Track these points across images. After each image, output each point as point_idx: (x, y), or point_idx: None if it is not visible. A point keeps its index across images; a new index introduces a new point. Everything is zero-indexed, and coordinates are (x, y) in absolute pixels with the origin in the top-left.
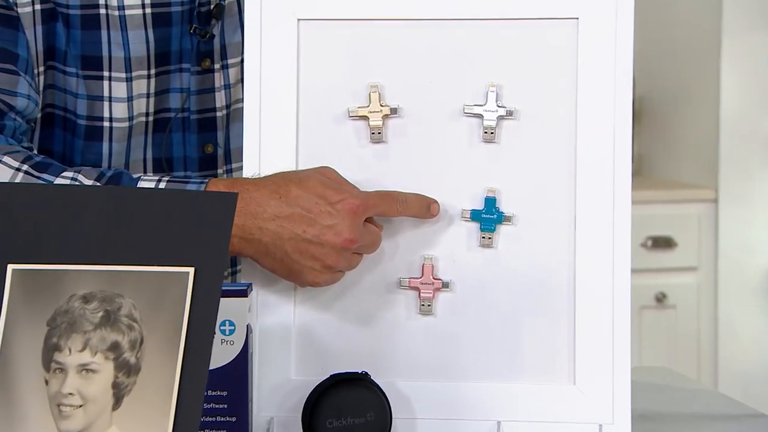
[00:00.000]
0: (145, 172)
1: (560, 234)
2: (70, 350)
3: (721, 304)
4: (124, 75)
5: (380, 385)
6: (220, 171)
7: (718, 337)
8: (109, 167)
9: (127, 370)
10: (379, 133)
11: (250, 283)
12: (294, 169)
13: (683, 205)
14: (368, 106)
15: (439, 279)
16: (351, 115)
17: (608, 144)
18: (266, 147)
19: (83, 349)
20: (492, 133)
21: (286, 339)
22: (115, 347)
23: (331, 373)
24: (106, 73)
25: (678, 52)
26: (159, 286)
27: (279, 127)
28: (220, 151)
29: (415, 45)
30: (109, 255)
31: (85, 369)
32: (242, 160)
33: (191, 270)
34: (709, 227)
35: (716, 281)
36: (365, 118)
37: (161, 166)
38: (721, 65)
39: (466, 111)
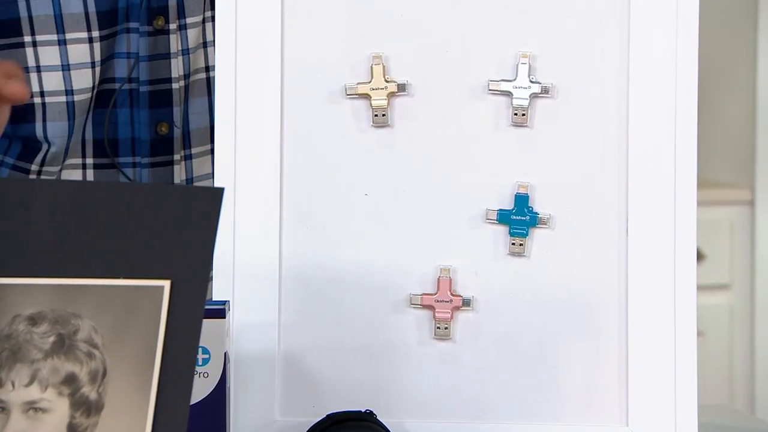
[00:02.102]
0: (84, 157)
1: (608, 240)
2: (13, 384)
3: (759, 329)
4: (54, 37)
5: (387, 427)
6: (176, 156)
7: (755, 369)
8: (46, 156)
9: (86, 408)
10: (384, 114)
11: (227, 301)
12: (278, 159)
13: (712, 208)
14: (370, 82)
15: (459, 295)
16: (349, 93)
17: (668, 128)
18: (243, 133)
19: (30, 383)
20: (523, 114)
21: (268, 370)
22: (70, 380)
23: (328, 413)
24: (27, 38)
25: (706, 24)
26: (126, 304)
27: (259, 109)
28: (177, 132)
29: (427, 7)
30: (62, 265)
31: (32, 408)
32: (206, 144)
33: (167, 283)
34: (743, 235)
35: (753, 302)
36: (366, 96)
37: (103, 150)
38: (757, 41)
39: (491, 88)
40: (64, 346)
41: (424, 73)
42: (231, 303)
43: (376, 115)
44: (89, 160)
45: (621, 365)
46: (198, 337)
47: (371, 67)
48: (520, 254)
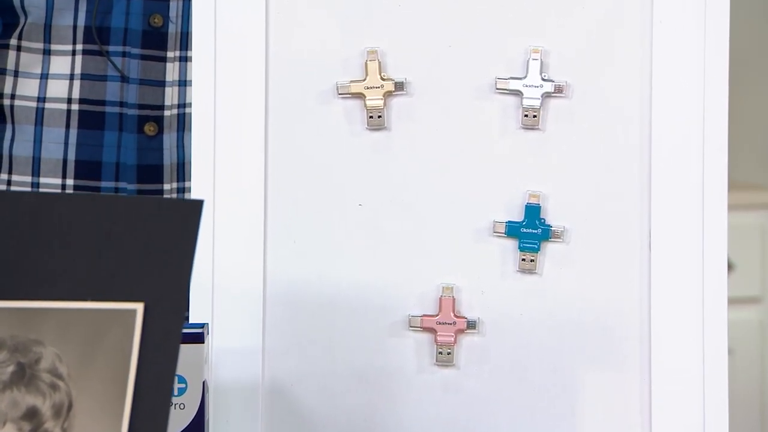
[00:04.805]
0: (74, 43)
1: (629, 255)
2: None
3: None
4: None
5: None
6: (170, 54)
7: None
8: (22, 32)
9: None
10: (380, 116)
11: (206, 324)
12: (262, 167)
13: (740, 213)
14: (364, 80)
15: (463, 317)
16: (341, 92)
17: (695, 131)
18: (223, 138)
19: None
20: (535, 116)
21: (251, 400)
22: (32, 415)
23: None
24: None
25: (731, 15)
26: (94, 330)
27: (240, 110)
28: (173, 28)
29: None
30: (22, 286)
31: None
32: None
33: (139, 306)
34: None
35: None
36: (360, 96)
37: (92, 38)
38: None
39: (498, 86)
40: (24, 376)
41: (424, 70)
42: (210, 326)
43: (371, 117)
44: (79, 46)
45: (644, 394)
46: (174, 365)
47: (366, 63)
48: (530, 271)
